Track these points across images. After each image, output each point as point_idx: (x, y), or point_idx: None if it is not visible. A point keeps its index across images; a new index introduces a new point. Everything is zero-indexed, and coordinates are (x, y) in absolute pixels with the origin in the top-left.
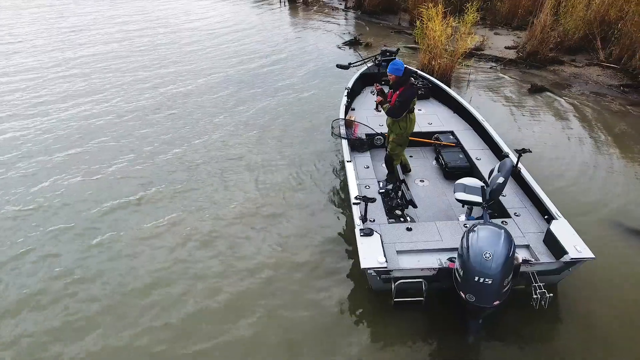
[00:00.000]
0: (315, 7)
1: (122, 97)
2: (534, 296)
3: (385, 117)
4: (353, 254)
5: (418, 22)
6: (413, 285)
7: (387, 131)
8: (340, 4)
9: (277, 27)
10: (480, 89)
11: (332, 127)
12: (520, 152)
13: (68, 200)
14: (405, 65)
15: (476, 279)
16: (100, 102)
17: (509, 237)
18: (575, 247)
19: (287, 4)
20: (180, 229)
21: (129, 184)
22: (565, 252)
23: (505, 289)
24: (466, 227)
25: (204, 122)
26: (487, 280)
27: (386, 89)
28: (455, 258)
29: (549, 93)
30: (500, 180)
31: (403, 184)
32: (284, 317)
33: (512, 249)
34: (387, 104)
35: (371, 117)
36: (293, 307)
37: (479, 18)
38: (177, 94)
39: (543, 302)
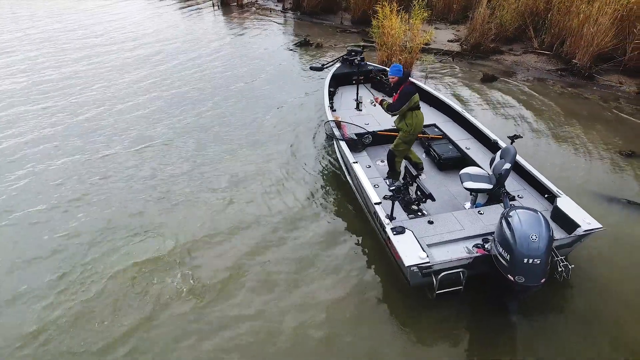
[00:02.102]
0: (251, 10)
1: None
2: (559, 269)
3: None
4: (378, 254)
5: (374, 21)
6: (453, 275)
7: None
8: (277, 6)
9: (218, 34)
10: (438, 81)
11: (326, 130)
12: (512, 138)
13: None
14: (403, 67)
15: (525, 260)
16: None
17: (545, 218)
18: (585, 220)
19: (219, 7)
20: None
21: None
22: (578, 226)
23: (549, 266)
24: (481, 214)
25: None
26: (535, 260)
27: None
28: (481, 244)
29: (499, 81)
30: (507, 166)
31: (418, 178)
32: (324, 322)
33: (551, 228)
34: (387, 102)
35: (354, 117)
36: (330, 312)
37: (427, 15)
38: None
39: (565, 274)
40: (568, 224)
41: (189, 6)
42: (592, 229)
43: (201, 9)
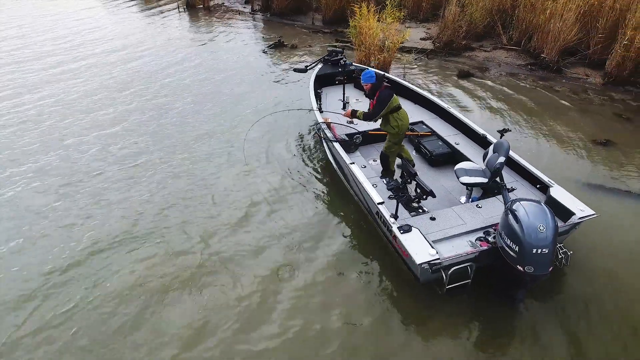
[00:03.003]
0: (219, 13)
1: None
2: (559, 256)
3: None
4: (382, 254)
5: (352, 21)
6: (461, 269)
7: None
8: (244, 7)
9: (187, 39)
10: (416, 78)
11: (317, 132)
12: (502, 132)
13: None
14: (375, 71)
15: (534, 251)
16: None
17: (549, 208)
18: (578, 207)
19: (185, 10)
20: None
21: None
22: (573, 214)
23: (554, 254)
24: (479, 207)
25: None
26: (544, 250)
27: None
28: (483, 237)
29: (474, 77)
30: (502, 159)
31: (417, 176)
32: (336, 323)
33: (555, 218)
34: (361, 112)
35: (342, 118)
36: (343, 313)
37: (403, 14)
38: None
39: (565, 261)
40: (563, 212)
41: (151, 8)
42: (586, 216)
43: (166, 13)
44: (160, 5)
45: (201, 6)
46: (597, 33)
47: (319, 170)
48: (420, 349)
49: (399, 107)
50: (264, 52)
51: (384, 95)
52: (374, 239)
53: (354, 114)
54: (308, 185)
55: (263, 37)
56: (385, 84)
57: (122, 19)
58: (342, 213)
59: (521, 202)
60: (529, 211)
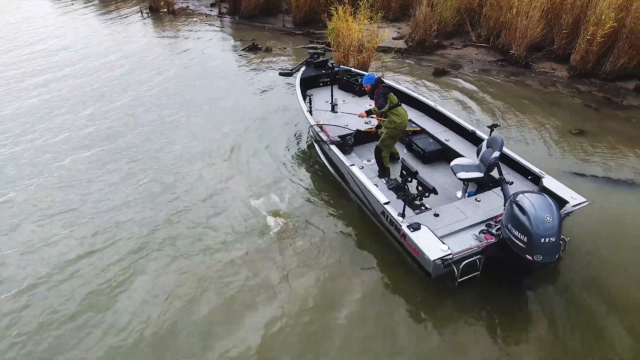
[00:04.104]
0: (184, 16)
1: None
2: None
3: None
4: (388, 253)
5: (330, 23)
6: (472, 262)
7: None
8: (211, 11)
9: (159, 45)
10: (395, 77)
11: (313, 136)
12: (491, 127)
13: None
14: (375, 75)
15: (542, 240)
16: None
17: (552, 199)
18: (571, 196)
19: (149, 14)
20: None
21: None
22: (566, 202)
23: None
24: (478, 201)
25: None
26: (551, 239)
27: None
28: (486, 230)
29: (449, 74)
30: (496, 154)
31: (418, 174)
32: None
33: (559, 208)
34: (374, 107)
35: (332, 119)
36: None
37: (381, 16)
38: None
39: (563, 247)
40: (557, 201)
41: (109, 12)
42: (579, 203)
43: (127, 17)
44: (118, 9)
45: (165, 10)
46: (561, 29)
47: (317, 173)
48: (437, 344)
49: (398, 104)
50: (240, 55)
51: (381, 91)
52: (379, 240)
53: (369, 113)
54: (306, 189)
55: (235, 40)
56: (384, 83)
57: (83, 26)
58: (342, 214)
59: (525, 194)
60: (535, 203)
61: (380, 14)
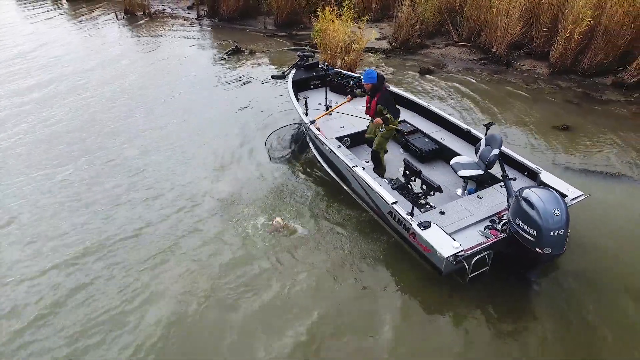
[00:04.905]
0: (162, 20)
1: None
2: None
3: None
4: (396, 252)
5: (316, 25)
6: (481, 258)
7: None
8: (189, 13)
9: (138, 52)
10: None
11: (310, 139)
12: (487, 126)
13: None
14: (377, 72)
15: (552, 233)
16: None
17: (558, 193)
18: (568, 190)
19: (124, 18)
20: None
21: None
22: (565, 196)
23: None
24: (480, 197)
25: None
26: (560, 231)
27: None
28: (490, 225)
29: (435, 73)
30: (496, 151)
31: (422, 173)
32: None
33: (565, 201)
34: (387, 116)
35: (327, 121)
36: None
37: (367, 17)
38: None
39: None
40: None
41: (81, 15)
42: (577, 197)
43: (101, 23)
44: (90, 12)
45: (141, 13)
46: (540, 27)
47: (315, 175)
48: (451, 339)
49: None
50: (223, 59)
51: (386, 96)
52: (385, 239)
53: (385, 121)
54: (306, 193)
55: (217, 43)
56: (386, 84)
57: (55, 32)
58: (344, 214)
59: (531, 189)
60: (542, 197)
61: (367, 16)
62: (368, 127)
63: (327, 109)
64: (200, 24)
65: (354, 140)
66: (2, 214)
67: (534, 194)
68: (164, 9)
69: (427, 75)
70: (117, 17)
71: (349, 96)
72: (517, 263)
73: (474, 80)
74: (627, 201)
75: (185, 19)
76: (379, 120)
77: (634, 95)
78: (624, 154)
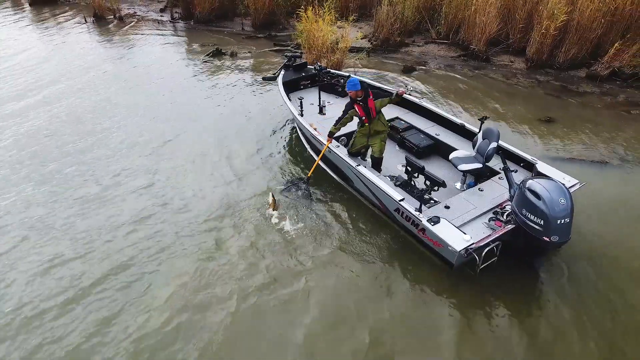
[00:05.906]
0: (134, 23)
1: None
2: None
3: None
4: (403, 249)
5: (300, 25)
6: (491, 250)
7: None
8: (162, 16)
9: (111, 58)
10: (367, 75)
11: (307, 140)
12: (482, 120)
13: None
14: (358, 78)
15: (559, 221)
16: None
17: (562, 183)
18: (565, 179)
19: (94, 22)
20: None
21: None
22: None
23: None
24: (481, 190)
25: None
26: (566, 220)
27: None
28: (494, 217)
29: (418, 70)
30: (494, 145)
31: (425, 169)
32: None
33: (569, 190)
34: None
35: (321, 121)
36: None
37: (353, 18)
38: None
39: None
40: None
41: (44, 20)
42: (574, 185)
43: (67, 27)
44: (55, 17)
45: (111, 17)
46: (516, 24)
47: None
48: (461, 330)
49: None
50: (205, 62)
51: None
52: (392, 237)
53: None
54: (308, 194)
55: (195, 46)
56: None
57: (18, 39)
58: (347, 214)
59: (535, 180)
60: (547, 187)
61: (352, 17)
62: (352, 142)
63: (320, 109)
64: (175, 27)
65: (350, 140)
66: None
67: (539, 185)
68: (134, 12)
69: (410, 73)
70: (85, 20)
71: (329, 138)
72: (523, 252)
73: (454, 77)
74: (617, 186)
75: (158, 22)
76: (330, 140)
77: (607, 86)
78: (609, 142)
